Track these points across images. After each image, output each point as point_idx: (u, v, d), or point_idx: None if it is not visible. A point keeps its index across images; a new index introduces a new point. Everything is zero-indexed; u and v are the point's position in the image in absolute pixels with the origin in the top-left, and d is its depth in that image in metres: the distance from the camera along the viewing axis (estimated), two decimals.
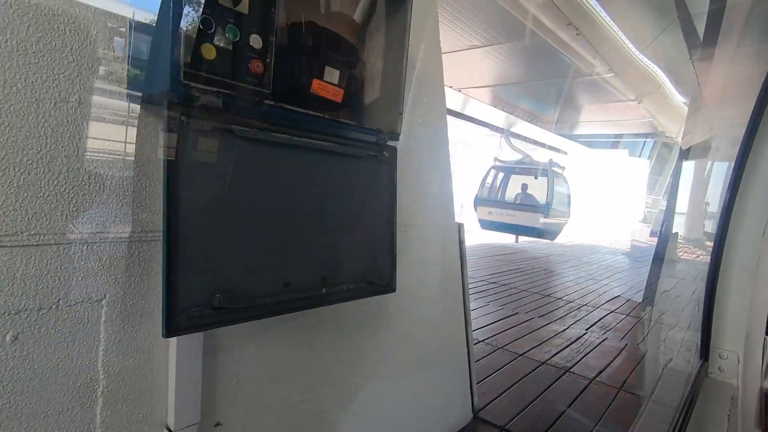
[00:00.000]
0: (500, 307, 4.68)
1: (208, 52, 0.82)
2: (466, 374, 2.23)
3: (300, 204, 1.01)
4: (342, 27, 1.29)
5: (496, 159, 11.17)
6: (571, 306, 5.24)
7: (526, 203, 10.28)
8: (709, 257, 2.92)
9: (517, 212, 10.19)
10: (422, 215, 1.78)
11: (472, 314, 4.32)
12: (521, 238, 11.32)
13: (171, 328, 0.76)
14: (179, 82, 0.75)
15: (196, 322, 0.80)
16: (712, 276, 3.31)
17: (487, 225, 10.75)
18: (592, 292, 6.28)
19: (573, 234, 15.21)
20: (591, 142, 13.58)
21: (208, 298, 0.81)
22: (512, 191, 11.26)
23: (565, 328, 4.16)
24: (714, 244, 3.50)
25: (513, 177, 11.23)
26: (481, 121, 11.03)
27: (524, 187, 10.67)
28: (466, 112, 11.86)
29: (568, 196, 10.46)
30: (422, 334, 1.86)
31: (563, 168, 10.30)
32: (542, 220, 9.53)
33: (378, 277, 1.19)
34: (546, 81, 6.05)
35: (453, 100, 10.89)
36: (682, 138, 7.55)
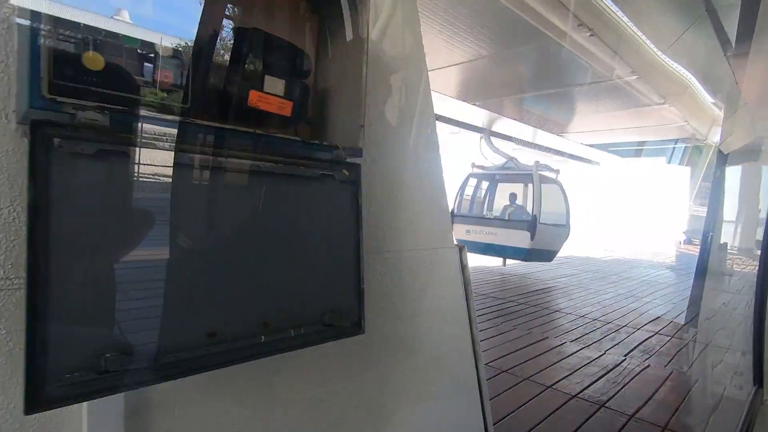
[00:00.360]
0: (528, 332, 4.35)
1: (93, 61, 0.69)
2: (479, 416, 1.98)
3: (231, 236, 0.85)
4: (296, 33, 1.17)
5: (474, 165, 9.03)
6: (609, 327, 4.82)
7: (513, 218, 8.35)
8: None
9: (499, 229, 8.11)
10: (415, 238, 1.60)
11: (496, 339, 4.03)
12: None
13: (34, 403, 0.61)
14: (41, 97, 0.62)
15: (74, 391, 0.65)
16: (760, 294, 2.95)
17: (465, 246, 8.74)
18: (633, 311, 5.81)
19: (613, 248, 14.45)
20: (618, 150, 12.65)
21: (93, 360, 0.66)
22: (500, 203, 9.23)
23: (600, 354, 3.79)
24: (760, 258, 3.12)
25: (500, 186, 9.31)
26: (458, 121, 9.17)
27: (512, 197, 8.66)
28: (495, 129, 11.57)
29: (566, 205, 8.37)
30: (419, 374, 1.64)
31: (557, 171, 8.29)
32: (530, 238, 7.57)
33: (340, 318, 1.01)
34: (562, 88, 5.69)
35: (478, 116, 10.59)
36: (721, 141, 6.99)
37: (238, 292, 0.85)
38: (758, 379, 3.11)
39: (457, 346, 1.87)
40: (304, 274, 0.96)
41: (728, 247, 7.56)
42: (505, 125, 10.11)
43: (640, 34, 3.95)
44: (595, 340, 4.25)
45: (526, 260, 8.06)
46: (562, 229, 8.39)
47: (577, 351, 3.81)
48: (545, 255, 8.31)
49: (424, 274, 1.64)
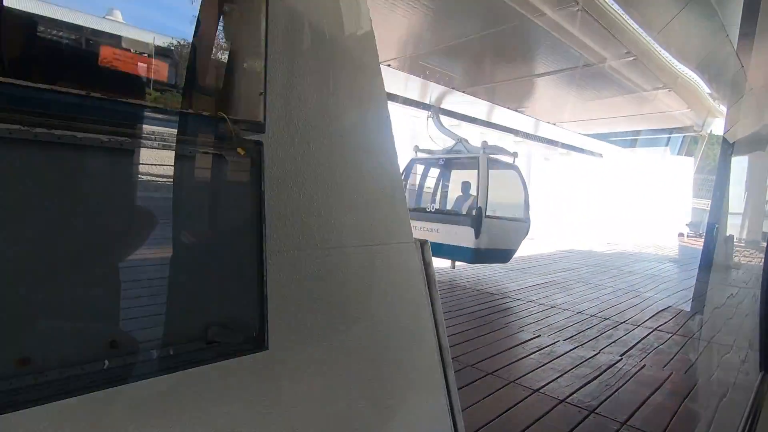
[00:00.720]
0: (520, 329, 4.14)
1: None
2: (448, 428, 1.78)
3: (64, 231, 0.66)
4: None
5: (416, 149, 7.57)
6: (606, 324, 4.61)
7: (454, 211, 6.91)
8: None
9: (441, 225, 6.60)
10: (363, 233, 1.40)
11: (485, 339, 3.82)
12: None
13: None
14: None
15: None
16: (767, 280, 2.89)
17: None
18: (633, 307, 5.59)
19: (615, 242, 14.18)
20: (616, 141, 12.19)
21: None
22: (454, 192, 7.72)
23: (595, 353, 3.58)
24: (767, 246, 3.08)
25: (456, 173, 7.83)
26: (402, 97, 7.66)
27: (465, 186, 7.11)
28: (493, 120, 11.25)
29: (525, 195, 6.91)
30: (377, 384, 1.45)
31: (514, 154, 6.81)
32: (474, 235, 6.11)
33: (231, 333, 0.81)
34: (547, 73, 5.29)
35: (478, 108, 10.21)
36: (726, 129, 6.69)
37: (71, 304, 0.66)
38: (765, 365, 2.99)
39: (421, 353, 1.67)
40: (178, 279, 0.77)
41: (735, 240, 7.31)
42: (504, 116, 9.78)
43: (627, 17, 3.66)
44: (590, 338, 4.04)
45: (472, 262, 6.58)
46: (519, 225, 6.96)
47: (570, 350, 3.60)
48: (497, 255, 6.87)
49: (376, 273, 1.45)
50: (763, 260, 3.44)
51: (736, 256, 7.47)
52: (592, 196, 15.48)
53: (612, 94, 6.20)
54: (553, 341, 3.83)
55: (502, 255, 6.97)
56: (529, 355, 3.43)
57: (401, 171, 7.38)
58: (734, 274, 7.21)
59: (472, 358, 3.28)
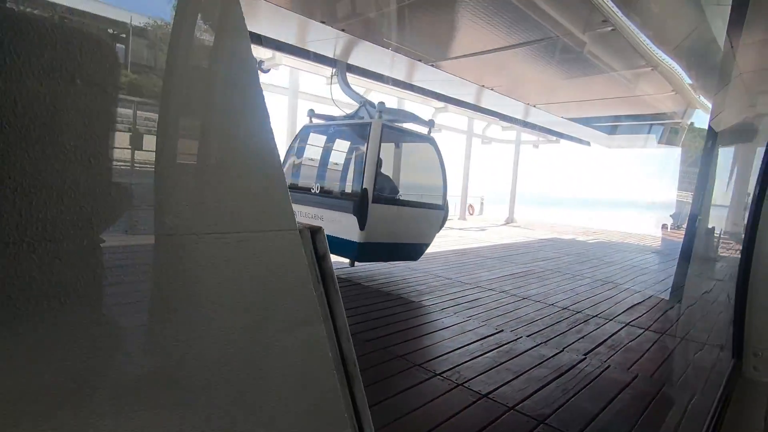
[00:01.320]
0: (483, 323, 3.88)
1: None
2: None
3: None
4: None
5: (311, 113, 5.87)
6: (577, 318, 4.37)
7: (338, 193, 5.19)
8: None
9: (325, 211, 5.02)
10: (221, 218, 1.06)
11: (442, 334, 3.55)
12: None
13: None
14: None
15: None
16: (743, 270, 2.87)
17: None
18: (608, 299, 5.37)
19: (598, 231, 14.05)
20: (600, 127, 11.75)
21: None
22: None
23: (557, 351, 3.32)
24: (744, 237, 2.99)
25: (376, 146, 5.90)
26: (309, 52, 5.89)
27: (378, 164, 5.01)
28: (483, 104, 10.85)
29: (443, 174, 5.41)
30: (254, 417, 1.13)
31: (430, 123, 5.40)
32: (359, 225, 4.63)
33: None
34: (516, 45, 4.76)
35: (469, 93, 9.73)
36: (712, 117, 6.41)
37: None
38: (737, 353, 2.90)
39: (311, 368, 1.36)
40: None
41: (716, 233, 7.15)
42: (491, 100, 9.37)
43: None
44: (557, 333, 3.79)
45: (358, 259, 5.07)
46: (430, 213, 5.43)
47: (532, 348, 3.34)
48: (398, 252, 5.32)
49: (235, 268, 1.12)
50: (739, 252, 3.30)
51: (722, 250, 7.32)
52: (579, 184, 15.31)
53: (589, 74, 5.85)
54: (516, 337, 3.56)
55: (406, 251, 5.45)
56: (486, 353, 3.16)
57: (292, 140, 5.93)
58: (713, 267, 7.06)
59: (422, 356, 3.00)
